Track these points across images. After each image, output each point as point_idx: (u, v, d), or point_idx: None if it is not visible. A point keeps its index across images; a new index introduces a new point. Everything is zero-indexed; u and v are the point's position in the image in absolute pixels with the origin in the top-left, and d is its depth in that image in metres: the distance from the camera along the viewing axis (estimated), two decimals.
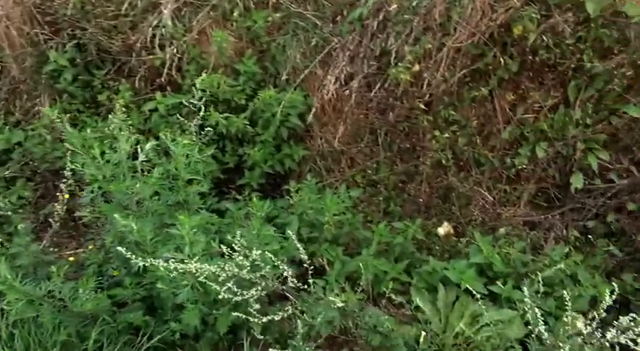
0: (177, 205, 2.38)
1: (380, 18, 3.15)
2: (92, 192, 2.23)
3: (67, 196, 2.87)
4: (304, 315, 1.93)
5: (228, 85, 3.36)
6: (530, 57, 2.95)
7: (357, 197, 3.26)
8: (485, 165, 3.12)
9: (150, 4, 3.44)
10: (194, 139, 3.12)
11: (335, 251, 2.76)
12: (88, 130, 3.05)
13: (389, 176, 3.28)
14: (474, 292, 2.16)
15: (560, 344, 1.49)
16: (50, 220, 2.85)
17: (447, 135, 3.07)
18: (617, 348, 1.50)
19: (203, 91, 3.33)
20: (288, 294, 2.16)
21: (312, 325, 1.90)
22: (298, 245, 2.06)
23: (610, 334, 1.45)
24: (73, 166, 2.38)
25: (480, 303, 2.05)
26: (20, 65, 3.60)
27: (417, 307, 2.26)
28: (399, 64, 3.01)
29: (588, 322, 1.62)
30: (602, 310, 1.58)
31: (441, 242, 2.99)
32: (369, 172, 3.35)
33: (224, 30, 3.48)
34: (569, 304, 1.70)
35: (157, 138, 3.37)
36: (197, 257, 1.77)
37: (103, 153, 2.34)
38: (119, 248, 1.77)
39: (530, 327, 1.84)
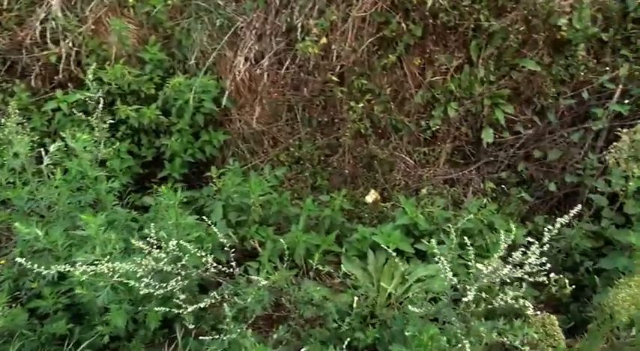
0: (91, 206, 2.26)
1: None
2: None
3: None
4: (235, 298, 1.91)
5: (134, 76, 3.21)
6: (431, 21, 3.04)
7: (284, 175, 3.25)
8: (402, 130, 3.21)
9: None
10: (97, 136, 2.98)
11: (265, 232, 2.75)
12: None
13: (312, 151, 3.30)
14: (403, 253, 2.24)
15: (467, 287, 1.58)
16: None
17: (362, 104, 3.11)
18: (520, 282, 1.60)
19: (108, 84, 3.18)
20: (220, 280, 2.13)
21: (244, 307, 1.89)
22: (219, 233, 2.00)
23: (505, 270, 1.55)
24: None
25: (405, 262, 2.12)
26: None
27: (348, 275, 2.32)
28: (307, 38, 3.00)
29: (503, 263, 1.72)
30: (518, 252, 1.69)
31: (369, 210, 3.06)
32: (292, 149, 3.34)
33: (122, 18, 3.30)
34: (489, 250, 1.81)
35: (63, 139, 3.21)
36: (109, 256, 1.70)
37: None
38: (19, 259, 1.66)
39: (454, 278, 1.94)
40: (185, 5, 3.34)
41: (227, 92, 3.22)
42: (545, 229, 1.64)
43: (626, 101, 2.97)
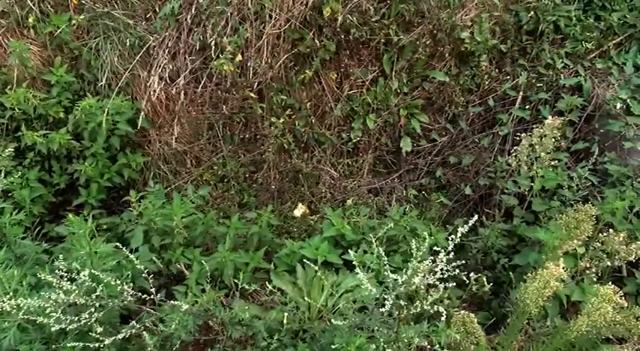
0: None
1: (193, 11, 3.08)
2: None
3: None
4: (160, 325, 1.83)
5: (39, 100, 3.04)
6: (344, 36, 3.12)
7: (209, 194, 3.19)
8: (325, 143, 3.26)
9: None
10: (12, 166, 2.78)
11: (192, 254, 2.67)
12: None
13: (237, 168, 3.26)
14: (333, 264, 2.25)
15: (385, 297, 1.62)
16: None
17: (283, 120, 3.13)
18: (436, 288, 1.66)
19: (11, 109, 2.99)
20: (142, 308, 2.04)
21: (169, 334, 1.82)
22: (138, 260, 1.92)
23: (417, 279, 1.62)
24: None
25: (334, 274, 2.13)
26: None
27: (278, 291, 2.30)
28: (221, 55, 2.98)
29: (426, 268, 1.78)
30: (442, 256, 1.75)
31: (298, 224, 3.07)
32: (216, 167, 3.29)
33: (22, 39, 3.12)
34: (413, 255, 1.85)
35: None
36: (13, 293, 1.57)
37: None
38: None
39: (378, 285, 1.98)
40: (92, 25, 3.22)
41: (143, 113, 3.12)
42: (458, 230, 1.71)
43: (527, 107, 3.21)
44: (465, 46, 3.22)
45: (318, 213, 3.19)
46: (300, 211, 3.17)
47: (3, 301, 1.49)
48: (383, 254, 1.83)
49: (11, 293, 1.58)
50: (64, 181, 3.11)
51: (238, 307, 2.00)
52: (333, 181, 3.23)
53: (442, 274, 1.63)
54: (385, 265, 1.65)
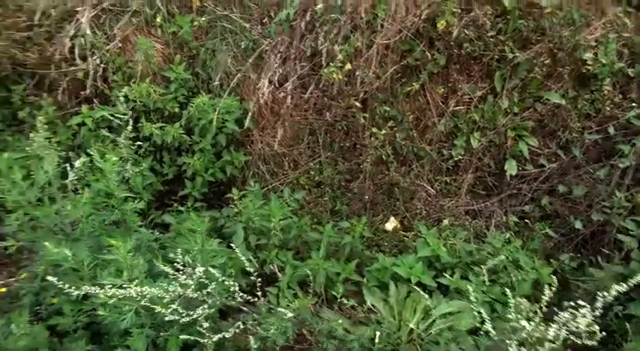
0: (115, 224, 2.26)
1: (307, 18, 3.14)
2: (17, 219, 2.07)
3: None
4: (258, 328, 1.89)
5: (159, 94, 3.24)
6: (456, 50, 3.04)
7: (303, 199, 3.25)
8: (424, 158, 3.20)
9: (65, 13, 3.25)
10: (124, 154, 3.00)
11: (285, 256, 2.73)
12: (7, 154, 2.87)
13: (333, 176, 3.29)
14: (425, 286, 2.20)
15: (508, 341, 1.54)
16: None
17: (384, 131, 3.10)
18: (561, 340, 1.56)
19: (133, 101, 3.21)
20: (241, 307, 2.11)
21: (266, 337, 1.87)
22: (243, 258, 2.02)
23: (552, 331, 1.52)
24: None
25: (428, 297, 2.08)
26: None
27: (371, 307, 2.28)
28: (331, 63, 3.02)
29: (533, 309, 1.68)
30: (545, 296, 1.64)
31: (389, 238, 3.04)
32: (313, 173, 3.34)
33: (149, 37, 3.34)
34: (515, 289, 1.77)
35: (88, 154, 3.23)
36: (138, 280, 1.69)
37: (27, 175, 2.17)
38: (51, 278, 1.65)
39: (479, 316, 1.90)
40: (211, 26, 3.38)
41: (250, 114, 3.23)
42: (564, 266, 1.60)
43: None
44: (586, 68, 3.01)
45: (410, 229, 3.14)
46: (391, 224, 3.14)
47: (131, 287, 1.61)
48: (487, 283, 1.76)
49: (137, 280, 1.70)
50: (172, 172, 3.29)
51: (332, 320, 2.01)
52: (429, 198, 3.16)
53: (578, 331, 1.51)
54: (510, 304, 1.56)
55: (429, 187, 3.18)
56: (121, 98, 2.70)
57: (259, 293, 1.89)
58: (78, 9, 3.17)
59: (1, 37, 3.16)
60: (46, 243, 1.78)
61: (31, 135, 2.51)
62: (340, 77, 3.00)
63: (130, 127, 2.62)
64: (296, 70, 3.16)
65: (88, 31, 3.16)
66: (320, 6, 3.05)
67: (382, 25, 3.05)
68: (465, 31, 2.95)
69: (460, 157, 3.16)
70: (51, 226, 2.13)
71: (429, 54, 3.04)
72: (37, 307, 2.40)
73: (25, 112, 3.32)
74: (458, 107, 3.18)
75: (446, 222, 2.94)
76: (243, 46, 3.27)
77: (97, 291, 1.66)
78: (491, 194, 3.17)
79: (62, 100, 3.30)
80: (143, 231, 2.30)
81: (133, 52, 3.32)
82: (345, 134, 3.27)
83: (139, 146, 3.26)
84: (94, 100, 3.33)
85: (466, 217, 3.06)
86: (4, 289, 2.42)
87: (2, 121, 3.41)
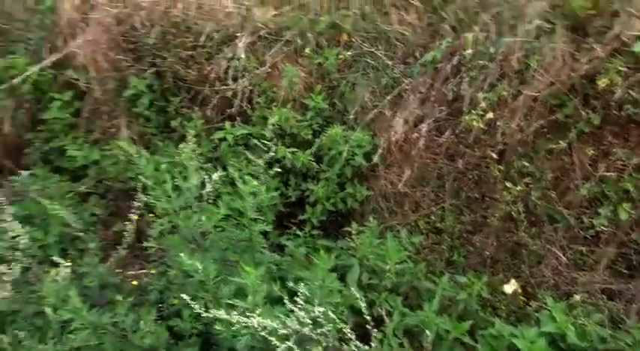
0: (242, 243, 2.37)
1: (454, 62, 3.08)
2: (161, 225, 2.27)
3: (135, 218, 2.94)
4: None
5: (295, 120, 3.38)
6: (614, 111, 2.78)
7: (420, 243, 3.15)
8: (560, 222, 2.94)
9: (226, 37, 3.54)
10: (260, 177, 3.16)
11: (394, 301, 2.66)
12: (159, 157, 3.18)
13: (454, 224, 3.16)
14: None
15: None
16: (119, 247, 2.91)
17: (519, 187, 2.91)
18: None
19: (271, 124, 3.39)
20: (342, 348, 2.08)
21: None
22: (358, 296, 2.00)
23: None
24: (145, 198, 2.44)
25: None
26: (103, 88, 3.78)
27: None
28: (473, 110, 2.92)
29: None
30: None
31: (507, 301, 2.83)
32: (434, 218, 3.24)
33: (295, 65, 3.52)
34: None
35: (224, 167, 3.46)
36: (259, 309, 1.74)
37: (174, 186, 2.37)
38: (184, 296, 1.78)
39: None
40: (355, 61, 3.46)
41: (380, 150, 3.23)
42: None
43: None
44: None
45: (533, 297, 2.88)
46: (512, 287, 2.91)
47: (254, 316, 1.68)
48: None
49: (259, 308, 1.77)
50: (295, 195, 3.40)
51: None
52: (559, 267, 2.89)
53: None
54: None
55: (561, 255, 2.90)
56: (270, 126, 2.87)
57: (373, 344, 1.85)
58: (238, 34, 3.44)
59: (170, 53, 3.53)
60: (182, 254, 1.92)
61: (181, 146, 2.75)
62: (480, 125, 2.89)
63: (272, 153, 2.75)
64: (434, 113, 3.11)
65: (243, 55, 3.41)
66: (469, 51, 2.98)
67: (533, 76, 2.90)
68: (630, 91, 2.69)
69: (603, 227, 2.85)
70: (187, 234, 2.29)
71: (582, 112, 2.81)
72: (160, 305, 2.59)
73: (176, 122, 3.66)
74: (608, 173, 2.88)
75: (577, 298, 2.65)
76: (383, 83, 3.30)
77: (219, 312, 1.74)
78: (635, 275, 2.81)
79: (210, 115, 3.58)
80: (266, 253, 2.39)
81: (278, 78, 3.51)
82: (474, 184, 3.13)
83: (271, 168, 3.44)
84: (237, 118, 3.57)
85: (602, 296, 2.73)
86: (135, 282, 2.65)
87: (156, 126, 3.78)
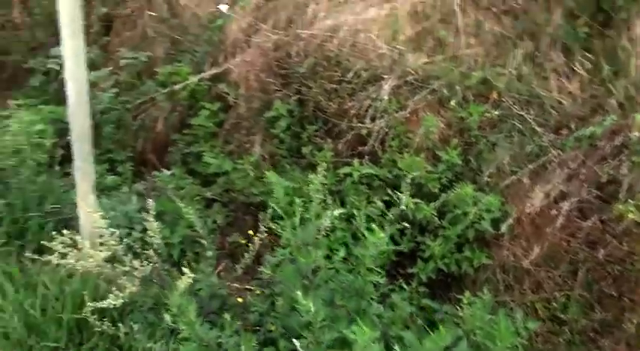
0: (351, 288, 2.33)
1: (616, 142, 2.81)
2: (282, 255, 2.31)
3: (257, 241, 2.99)
4: None
5: (425, 170, 3.29)
6: None
7: (534, 330, 2.86)
8: None
9: (373, 77, 3.58)
10: (378, 214, 3.11)
11: None
12: (287, 180, 3.27)
13: (579, 319, 2.83)
14: None
15: None
16: (237, 266, 2.98)
17: None
18: None
19: (399, 168, 3.34)
20: None
21: None
22: None
23: None
24: (272, 225, 2.50)
25: None
26: (248, 105, 4.02)
27: None
28: (630, 200, 2.62)
29: None
30: None
31: None
32: (555, 305, 2.94)
33: (436, 115, 3.44)
34: None
35: (342, 201, 3.48)
36: None
37: (301, 219, 2.41)
38: (295, 341, 1.77)
39: None
40: (500, 121, 3.31)
41: (510, 219, 3.03)
42: None
43: None
44: None
45: None
46: None
47: None
48: None
49: None
50: (409, 247, 3.29)
51: None
52: None
53: None
54: None
55: None
56: (407, 185, 2.81)
57: None
58: (385, 76, 3.46)
59: (316, 84, 3.65)
60: (298, 292, 1.92)
61: (311, 176, 2.80)
62: (635, 218, 2.58)
63: (402, 207, 2.70)
64: (580, 193, 2.85)
65: (386, 97, 3.42)
66: (636, 133, 2.70)
67: None
68: None
69: None
70: (303, 268, 2.30)
71: None
72: (258, 327, 2.62)
73: (307, 149, 3.76)
74: None
75: None
76: (527, 150, 3.11)
77: None
78: None
79: (340, 149, 3.63)
80: (373, 304, 2.32)
81: (416, 125, 3.46)
82: (613, 280, 2.80)
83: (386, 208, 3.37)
84: (366, 156, 3.57)
85: None
86: (240, 299, 2.72)
87: (288, 149, 3.92)
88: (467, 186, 3.14)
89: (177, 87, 4.08)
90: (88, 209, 2.39)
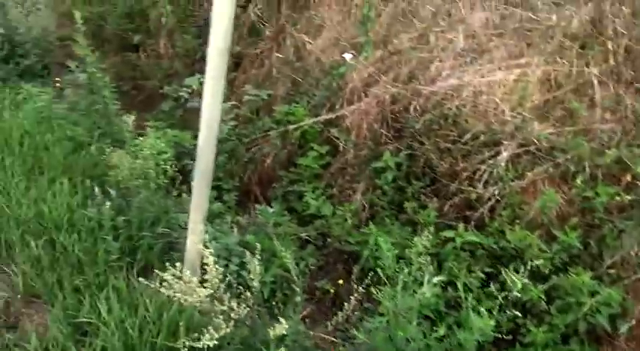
0: None
1: None
2: (380, 323, 2.22)
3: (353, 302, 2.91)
4: None
5: (537, 248, 3.04)
6: None
7: None
8: None
9: (491, 141, 3.44)
10: (476, 287, 2.91)
11: None
12: (387, 236, 3.19)
13: None
14: None
15: None
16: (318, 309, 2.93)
17: None
18: None
19: (507, 241, 3.12)
20: None
21: None
22: None
23: None
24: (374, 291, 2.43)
25: None
26: (356, 152, 4.04)
27: None
28: None
29: None
30: None
31: None
32: None
33: (557, 190, 3.20)
34: None
35: (439, 265, 3.31)
36: None
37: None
38: None
39: None
40: (632, 207, 2.99)
41: (633, 320, 2.68)
42: None
43: None
44: None
45: None
46: None
47: None
48: None
49: None
50: (507, 326, 3.02)
51: None
52: None
53: None
54: None
55: None
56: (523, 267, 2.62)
57: None
58: (504, 142, 3.30)
59: (429, 141, 3.58)
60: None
61: (416, 239, 2.71)
62: None
63: (516, 294, 2.51)
64: None
65: (503, 164, 3.25)
66: None
67: None
68: None
69: None
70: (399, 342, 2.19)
71: None
72: None
73: (410, 205, 3.65)
74: None
75: None
76: None
77: None
78: None
79: (446, 211, 3.49)
80: None
81: (532, 198, 3.24)
82: None
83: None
84: (472, 221, 3.39)
85: None
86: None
87: (389, 202, 3.84)
88: (584, 273, 2.85)
89: (291, 127, 4.22)
90: (196, 241, 2.47)
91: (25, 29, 4.11)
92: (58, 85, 4.24)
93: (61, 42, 4.66)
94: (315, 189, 4.19)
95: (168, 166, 3.02)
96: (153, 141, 3.19)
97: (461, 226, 3.33)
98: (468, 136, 3.45)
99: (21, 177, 3.01)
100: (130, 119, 3.58)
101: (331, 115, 4.13)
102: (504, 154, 3.27)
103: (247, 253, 2.93)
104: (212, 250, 2.50)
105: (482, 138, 3.42)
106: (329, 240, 3.83)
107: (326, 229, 3.92)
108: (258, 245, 2.57)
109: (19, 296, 2.50)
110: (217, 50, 1.91)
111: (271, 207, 4.10)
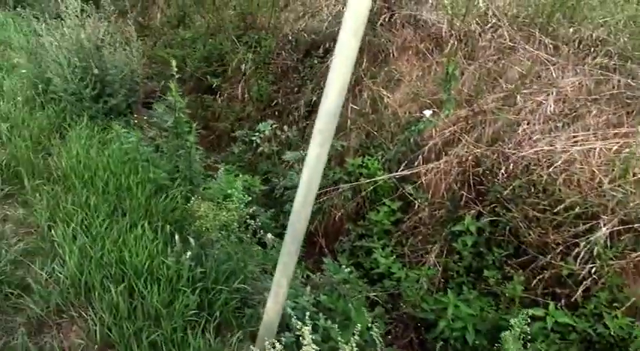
0: None
1: None
2: None
3: None
4: None
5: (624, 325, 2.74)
6: None
7: None
8: None
9: (587, 215, 3.19)
10: None
11: None
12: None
13: None
14: None
15: None
16: None
17: None
18: None
19: (587, 321, 2.84)
20: None
21: None
22: None
23: None
24: None
25: None
26: (432, 212, 3.87)
27: None
28: None
29: None
30: None
31: None
32: None
33: None
34: None
35: (525, 345, 3.03)
36: None
37: None
38: None
39: None
40: None
41: None
42: None
43: None
44: None
45: None
46: None
47: None
48: None
49: None
50: None
51: None
52: None
53: None
54: None
55: None
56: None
57: None
58: (603, 216, 3.06)
59: (517, 208, 3.36)
60: None
61: (512, 321, 2.49)
62: None
63: None
64: None
65: (602, 241, 3.00)
66: None
67: None
68: None
69: None
70: None
71: None
72: None
73: (491, 274, 3.42)
74: None
75: None
76: None
77: None
78: None
79: (532, 284, 3.24)
80: None
81: (634, 280, 2.96)
82: None
83: None
84: (562, 299, 3.12)
85: None
86: None
87: (466, 268, 3.62)
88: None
89: (364, 180, 4.10)
90: (278, 303, 2.33)
91: (116, 70, 4.25)
92: (141, 124, 4.32)
93: (143, 82, 4.80)
94: (385, 246, 4.01)
95: (252, 221, 2.93)
96: (240, 195, 3.13)
97: (551, 304, 3.07)
98: (560, 206, 3.22)
99: (104, 217, 2.98)
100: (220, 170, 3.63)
101: (407, 172, 4.00)
102: (603, 230, 3.02)
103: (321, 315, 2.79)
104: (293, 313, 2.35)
105: (576, 210, 3.18)
106: (400, 303, 3.62)
107: (396, 291, 3.72)
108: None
109: (96, 346, 2.39)
110: (327, 114, 1.82)
111: (337, 261, 3.94)
